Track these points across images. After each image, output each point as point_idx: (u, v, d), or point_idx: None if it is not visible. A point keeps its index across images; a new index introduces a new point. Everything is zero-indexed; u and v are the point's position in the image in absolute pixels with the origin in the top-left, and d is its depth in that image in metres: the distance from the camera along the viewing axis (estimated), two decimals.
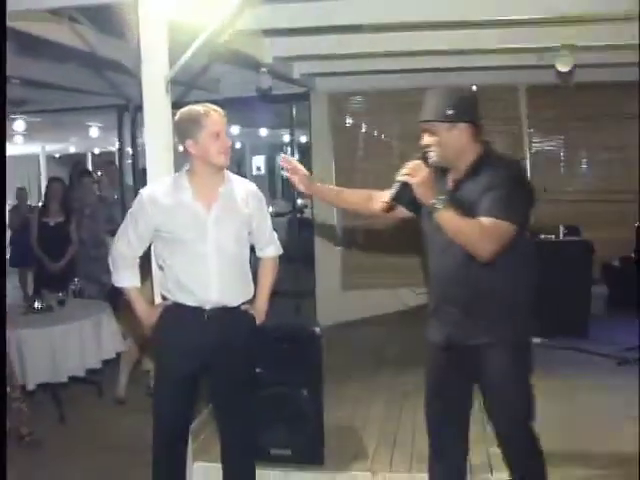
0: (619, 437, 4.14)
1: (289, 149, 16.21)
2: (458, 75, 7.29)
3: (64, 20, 4.64)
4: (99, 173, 9.03)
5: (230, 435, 3.57)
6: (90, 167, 17.69)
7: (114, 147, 16.14)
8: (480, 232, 2.72)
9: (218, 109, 3.25)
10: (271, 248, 3.59)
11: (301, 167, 3.36)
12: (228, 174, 3.39)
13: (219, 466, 3.67)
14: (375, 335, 6.93)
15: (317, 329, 3.99)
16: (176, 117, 3.28)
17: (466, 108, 2.93)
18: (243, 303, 3.41)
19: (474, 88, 7.81)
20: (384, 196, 3.07)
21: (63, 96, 8.38)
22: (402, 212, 3.25)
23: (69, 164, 18.53)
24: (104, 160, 15.46)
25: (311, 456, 3.98)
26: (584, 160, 8.32)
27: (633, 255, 7.17)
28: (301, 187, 3.36)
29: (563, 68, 5.85)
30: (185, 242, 3.24)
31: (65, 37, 4.86)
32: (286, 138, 15.25)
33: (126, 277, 3.43)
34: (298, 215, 9.34)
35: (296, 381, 3.96)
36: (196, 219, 3.24)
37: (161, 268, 3.45)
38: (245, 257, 3.43)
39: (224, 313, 3.31)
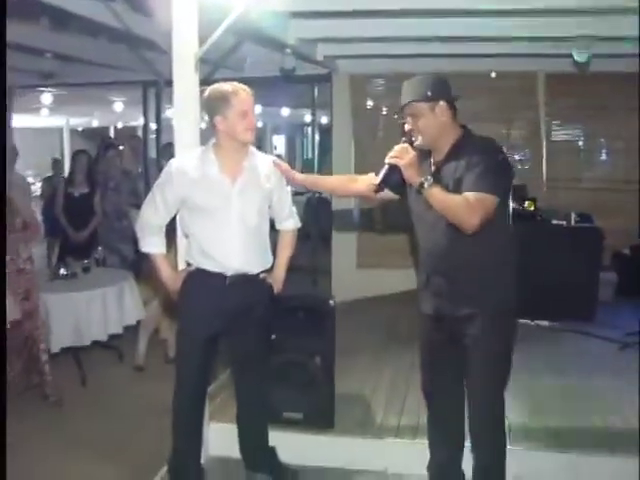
0: (618, 415, 4.33)
1: (309, 129, 16.40)
2: (478, 61, 7.42)
3: None
4: (120, 147, 9.15)
5: (245, 397, 3.77)
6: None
7: (136, 122, 16.39)
8: (466, 205, 2.92)
9: (246, 88, 3.40)
10: (290, 222, 3.77)
11: (284, 164, 3.65)
12: (252, 149, 3.56)
13: (234, 426, 3.87)
14: (387, 312, 7.07)
15: (331, 300, 4.13)
16: (205, 94, 3.42)
17: (442, 89, 3.15)
18: (262, 272, 3.59)
19: (493, 74, 8.00)
20: (368, 179, 3.37)
21: (90, 70, 8.46)
22: (388, 194, 3.45)
23: (92, 137, 18.78)
24: (128, 134, 15.65)
25: (322, 420, 4.13)
26: (600, 149, 8.36)
27: None
28: (287, 179, 3.64)
29: (580, 58, 5.95)
30: (210, 212, 3.41)
31: (97, 13, 5.04)
32: (307, 118, 15.39)
33: (152, 243, 3.60)
34: (316, 195, 9.45)
35: (310, 349, 4.11)
36: (221, 190, 3.41)
37: (186, 236, 3.63)
38: (265, 229, 3.60)
39: (244, 280, 3.49)
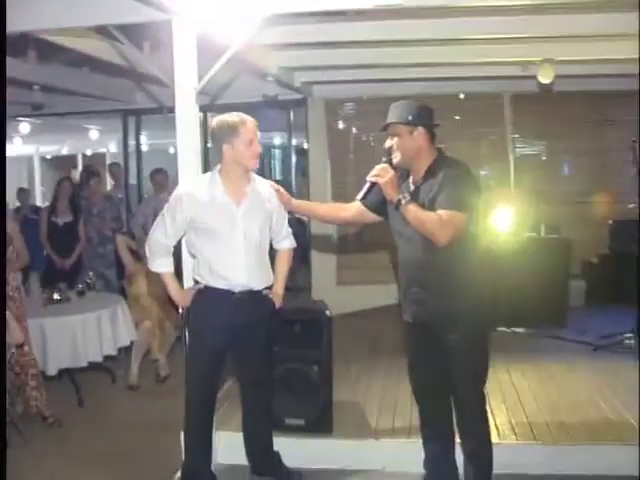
0: (593, 411, 4.63)
1: (277, 152, 16.66)
2: (446, 84, 7.75)
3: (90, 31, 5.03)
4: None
5: (252, 404, 4.02)
6: (80, 168, 17.92)
7: (105, 149, 16.53)
8: (438, 222, 3.25)
9: (252, 119, 3.69)
10: (287, 241, 4.06)
11: (281, 189, 3.92)
12: (253, 175, 3.83)
13: (238, 434, 4.10)
14: (369, 326, 7.34)
15: (327, 312, 4.36)
16: (213, 123, 3.69)
17: (423, 116, 3.47)
18: (265, 288, 3.86)
19: (462, 96, 8.36)
20: (355, 207, 3.73)
21: (71, 100, 8.67)
22: (371, 217, 3.80)
23: (60, 166, 18.76)
24: (98, 161, 15.76)
25: (322, 425, 4.34)
26: (565, 164, 8.77)
27: (608, 251, 7.69)
28: (283, 203, 3.92)
29: (545, 80, 6.27)
30: (217, 233, 3.67)
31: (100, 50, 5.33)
32: (276, 141, 15.66)
33: (162, 263, 3.83)
34: (295, 215, 9.69)
35: (308, 358, 4.33)
36: (228, 213, 3.67)
37: (193, 256, 3.87)
38: (267, 248, 3.88)
39: (250, 296, 3.75)
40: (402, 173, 3.55)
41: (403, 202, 3.32)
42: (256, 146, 3.68)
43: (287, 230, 4.04)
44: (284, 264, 4.06)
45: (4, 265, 4.55)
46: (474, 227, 3.43)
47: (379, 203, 3.61)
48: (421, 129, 3.44)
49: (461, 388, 3.52)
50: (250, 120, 3.68)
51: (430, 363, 3.60)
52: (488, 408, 3.70)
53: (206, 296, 3.77)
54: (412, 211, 3.31)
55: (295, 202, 4.02)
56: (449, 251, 3.31)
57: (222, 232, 3.67)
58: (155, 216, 3.99)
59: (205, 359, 3.79)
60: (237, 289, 3.72)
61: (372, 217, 3.80)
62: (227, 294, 3.72)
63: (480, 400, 3.58)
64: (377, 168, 3.42)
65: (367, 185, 3.48)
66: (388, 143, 3.51)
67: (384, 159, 3.47)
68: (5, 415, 3.73)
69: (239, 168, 3.70)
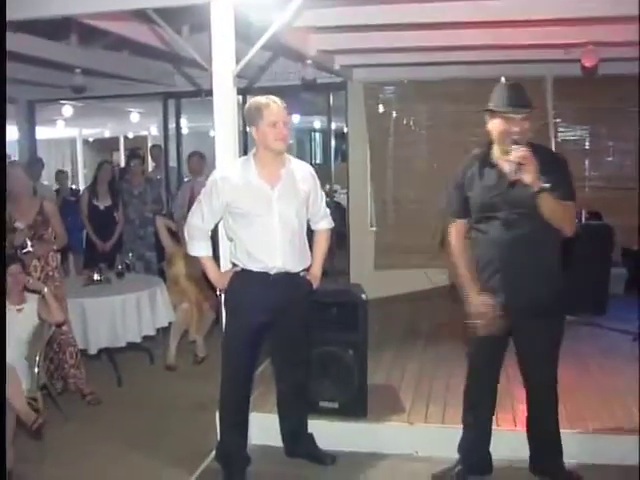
0: (632, 400, 4.54)
1: (317, 135, 16.69)
2: (486, 68, 7.63)
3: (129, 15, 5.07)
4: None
5: (286, 386, 4.07)
6: (122, 150, 18.15)
7: (146, 131, 16.67)
8: (570, 213, 3.35)
9: (278, 100, 3.69)
10: (324, 222, 4.08)
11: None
12: (288, 157, 3.85)
13: (273, 416, 4.15)
14: (407, 310, 7.36)
15: (363, 295, 4.36)
16: (245, 107, 3.75)
17: None
18: (302, 270, 3.88)
19: (503, 80, 8.23)
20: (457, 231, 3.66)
21: (109, 83, 8.76)
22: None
23: (102, 148, 19.00)
24: (140, 144, 15.92)
25: (356, 409, 4.36)
26: (607, 149, 8.55)
27: None
28: None
29: (589, 63, 6.17)
30: (253, 216, 3.69)
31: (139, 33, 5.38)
32: (316, 124, 15.67)
33: (200, 247, 3.88)
34: (327, 199, 9.71)
35: (344, 342, 4.34)
36: (263, 196, 3.69)
37: (230, 240, 3.89)
38: (304, 230, 3.89)
39: (286, 278, 3.77)
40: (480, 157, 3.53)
41: (545, 189, 3.21)
42: (281, 128, 3.67)
43: (325, 210, 4.06)
44: (322, 245, 4.08)
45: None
46: None
47: (466, 202, 3.57)
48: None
49: (540, 372, 3.59)
50: (275, 102, 3.68)
51: (496, 348, 3.62)
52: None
53: (243, 278, 3.80)
54: (551, 201, 3.25)
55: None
56: (546, 236, 3.37)
57: (258, 215, 3.69)
58: (191, 199, 4.02)
59: (241, 339, 3.83)
60: (273, 271, 3.74)
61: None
62: (263, 276, 3.75)
63: (555, 384, 3.63)
64: (521, 152, 3.21)
65: (513, 166, 3.25)
66: (521, 127, 3.34)
67: (513, 140, 3.27)
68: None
69: (269, 151, 3.71)
